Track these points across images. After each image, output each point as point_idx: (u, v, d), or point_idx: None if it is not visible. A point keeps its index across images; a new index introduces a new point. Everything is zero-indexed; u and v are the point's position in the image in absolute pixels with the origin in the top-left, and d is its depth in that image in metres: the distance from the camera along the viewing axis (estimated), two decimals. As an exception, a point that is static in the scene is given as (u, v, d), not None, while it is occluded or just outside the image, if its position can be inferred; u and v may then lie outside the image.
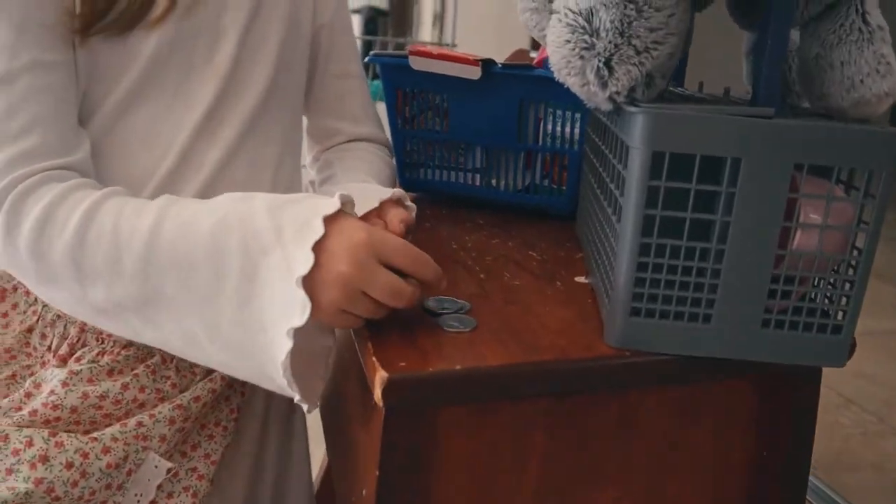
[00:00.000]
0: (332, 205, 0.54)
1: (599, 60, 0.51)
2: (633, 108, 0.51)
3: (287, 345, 0.51)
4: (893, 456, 1.75)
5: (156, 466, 0.63)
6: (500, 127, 0.90)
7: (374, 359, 0.51)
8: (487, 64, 0.86)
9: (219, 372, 0.70)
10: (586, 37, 0.51)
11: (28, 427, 0.60)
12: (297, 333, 0.51)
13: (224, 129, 0.71)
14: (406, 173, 0.99)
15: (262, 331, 0.53)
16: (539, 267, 0.74)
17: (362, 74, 0.91)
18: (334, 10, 0.86)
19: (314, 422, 0.85)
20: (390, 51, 0.97)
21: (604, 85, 0.52)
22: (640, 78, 0.52)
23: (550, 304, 0.64)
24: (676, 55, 0.55)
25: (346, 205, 0.56)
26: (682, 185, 0.51)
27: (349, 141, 0.90)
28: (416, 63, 0.89)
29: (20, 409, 0.62)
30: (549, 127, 0.89)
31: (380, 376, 0.49)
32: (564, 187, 0.91)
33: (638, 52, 0.51)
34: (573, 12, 0.51)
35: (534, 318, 0.60)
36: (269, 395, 0.79)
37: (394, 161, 0.94)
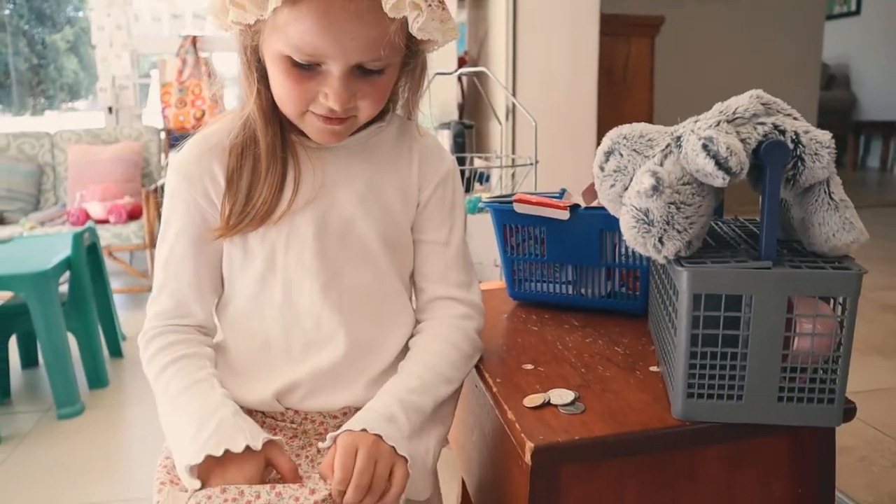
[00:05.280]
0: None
1: (655, 238, 0.81)
2: (678, 268, 0.80)
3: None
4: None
5: None
6: (585, 250, 1.20)
7: (522, 434, 0.80)
8: (574, 207, 1.17)
9: None
10: (645, 225, 0.81)
11: None
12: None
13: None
14: (515, 287, 1.30)
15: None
16: (623, 360, 1.02)
17: (449, 240, 1.00)
18: (433, 189, 0.98)
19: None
20: (498, 195, 1.28)
21: (658, 251, 0.82)
22: (682, 246, 0.81)
23: (634, 390, 0.92)
24: (707, 224, 0.84)
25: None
26: (715, 313, 0.80)
27: (431, 300, 1.01)
28: (520, 208, 1.20)
29: None
30: (623, 249, 1.18)
31: (528, 446, 0.79)
32: (638, 293, 1.20)
33: (679, 232, 0.80)
34: (636, 209, 0.81)
35: (623, 402, 0.89)
36: None
37: (470, 323, 1.00)
